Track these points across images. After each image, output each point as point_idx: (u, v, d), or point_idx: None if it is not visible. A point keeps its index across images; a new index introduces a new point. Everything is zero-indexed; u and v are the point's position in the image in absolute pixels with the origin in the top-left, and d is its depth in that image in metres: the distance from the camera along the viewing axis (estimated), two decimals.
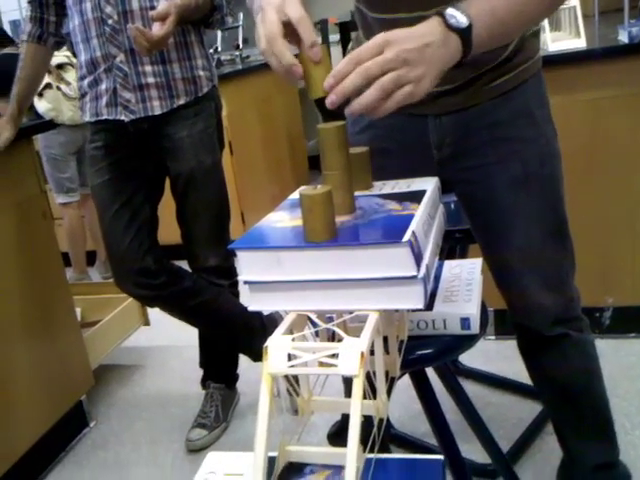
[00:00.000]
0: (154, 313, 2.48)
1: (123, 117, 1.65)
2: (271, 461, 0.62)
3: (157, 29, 1.48)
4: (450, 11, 0.80)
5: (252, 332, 1.86)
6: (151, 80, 1.63)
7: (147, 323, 2.46)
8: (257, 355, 1.88)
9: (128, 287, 1.75)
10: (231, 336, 1.91)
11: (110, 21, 1.59)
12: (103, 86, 1.65)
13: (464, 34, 0.80)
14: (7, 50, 3.24)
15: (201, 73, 1.70)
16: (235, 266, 1.88)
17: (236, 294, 1.90)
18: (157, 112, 1.65)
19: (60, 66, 2.97)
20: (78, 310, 2.17)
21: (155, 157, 1.73)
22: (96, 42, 1.62)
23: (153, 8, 1.55)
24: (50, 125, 2.13)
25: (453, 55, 0.80)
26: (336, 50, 4.08)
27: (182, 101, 1.68)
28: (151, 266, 1.71)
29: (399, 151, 1.13)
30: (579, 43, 1.84)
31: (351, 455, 0.55)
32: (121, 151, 1.71)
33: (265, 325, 1.89)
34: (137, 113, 1.64)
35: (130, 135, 1.68)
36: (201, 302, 1.80)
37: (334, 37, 4.14)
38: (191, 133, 1.70)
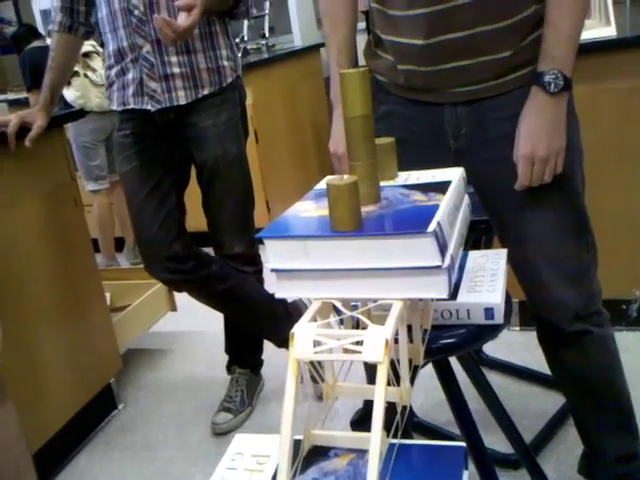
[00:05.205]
0: (181, 299, 2.52)
1: (149, 107, 1.67)
2: (297, 444, 0.64)
3: (183, 20, 1.50)
4: (548, 79, 1.01)
5: (276, 318, 1.88)
6: (176, 70, 1.66)
7: (174, 309, 2.50)
8: (281, 341, 1.91)
9: (158, 272, 1.78)
10: (256, 322, 1.93)
11: (136, 12, 1.61)
12: (130, 76, 1.68)
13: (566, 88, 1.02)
14: (36, 44, 3.30)
15: (225, 63, 1.72)
16: (259, 254, 1.90)
17: (260, 281, 1.92)
18: (182, 102, 1.68)
19: (86, 54, 3.02)
20: (107, 295, 2.21)
21: (181, 146, 1.76)
22: (123, 32, 1.65)
23: None
24: (81, 114, 2.17)
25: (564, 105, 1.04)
26: (361, 38, 4.06)
27: (206, 91, 1.69)
28: (180, 252, 1.74)
29: (416, 141, 1.13)
30: (609, 31, 1.81)
31: (375, 439, 0.56)
32: (148, 139, 1.73)
33: (289, 312, 1.91)
34: (163, 103, 1.67)
35: (156, 124, 1.71)
36: (228, 287, 1.82)
37: (360, 25, 4.11)
38: (216, 122, 1.72)
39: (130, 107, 1.70)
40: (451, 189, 0.76)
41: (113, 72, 1.72)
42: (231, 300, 1.86)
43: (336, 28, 1.20)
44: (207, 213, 1.84)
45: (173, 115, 1.70)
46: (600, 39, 1.79)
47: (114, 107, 1.75)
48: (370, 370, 1.17)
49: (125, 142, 1.75)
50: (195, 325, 2.58)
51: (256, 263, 1.90)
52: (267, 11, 3.89)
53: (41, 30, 4.04)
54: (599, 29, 1.82)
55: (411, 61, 1.09)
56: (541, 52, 1.03)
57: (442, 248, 0.64)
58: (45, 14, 4.34)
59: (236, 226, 1.83)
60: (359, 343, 0.59)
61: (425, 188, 0.78)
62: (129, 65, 1.67)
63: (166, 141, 1.74)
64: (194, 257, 1.78)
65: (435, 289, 0.65)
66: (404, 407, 0.67)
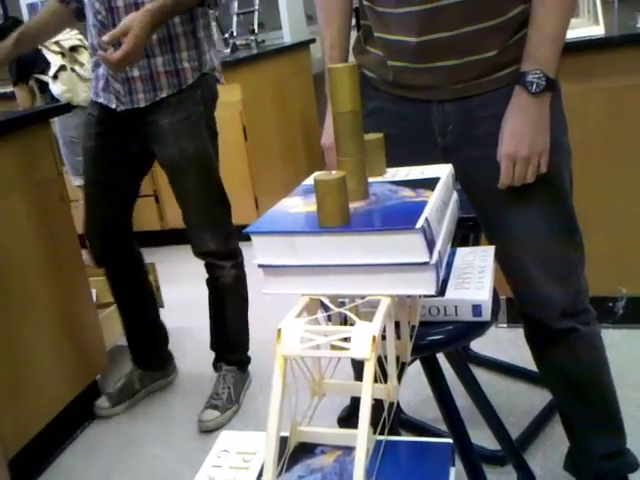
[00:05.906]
0: (168, 296, 2.51)
1: (114, 106, 1.75)
2: (283, 441, 0.63)
3: (119, 50, 1.50)
4: (530, 79, 1.01)
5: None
6: (136, 73, 1.71)
7: (161, 305, 2.48)
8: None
9: (93, 240, 1.95)
10: (131, 340, 2.11)
11: (99, 16, 1.67)
12: (101, 70, 1.77)
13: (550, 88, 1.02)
14: None
15: (185, 65, 1.74)
16: (238, 248, 1.92)
17: (240, 275, 1.93)
18: (142, 105, 1.73)
19: (73, 48, 3.00)
20: (93, 291, 2.19)
21: (139, 141, 1.80)
22: (93, 31, 1.72)
23: (137, 5, 1.62)
24: (67, 108, 2.15)
25: (546, 105, 1.04)
26: (352, 34, 4.05)
27: (165, 94, 1.74)
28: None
29: (404, 137, 1.14)
30: (597, 30, 1.82)
31: (362, 436, 0.56)
32: (108, 124, 1.79)
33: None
34: (126, 104, 1.74)
35: (116, 113, 1.76)
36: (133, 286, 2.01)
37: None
38: (172, 120, 1.75)
39: (100, 100, 1.78)
40: (439, 186, 0.76)
41: (93, 61, 1.80)
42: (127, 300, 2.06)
43: (330, 22, 1.20)
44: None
45: (132, 113, 1.75)
46: (588, 38, 1.80)
47: (90, 94, 1.84)
48: (357, 367, 1.17)
49: (90, 120, 1.84)
50: (182, 322, 2.57)
51: (234, 257, 1.91)
52: (257, 7, 3.87)
53: None
54: (587, 28, 1.83)
55: (403, 58, 1.09)
56: (525, 52, 1.03)
57: (430, 244, 0.64)
58: (32, 7, 4.29)
59: (206, 223, 1.85)
60: (346, 339, 0.58)
61: (413, 184, 0.78)
62: (100, 61, 1.72)
63: (122, 131, 1.79)
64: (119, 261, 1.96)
65: (423, 285, 0.65)
66: (391, 404, 0.67)
